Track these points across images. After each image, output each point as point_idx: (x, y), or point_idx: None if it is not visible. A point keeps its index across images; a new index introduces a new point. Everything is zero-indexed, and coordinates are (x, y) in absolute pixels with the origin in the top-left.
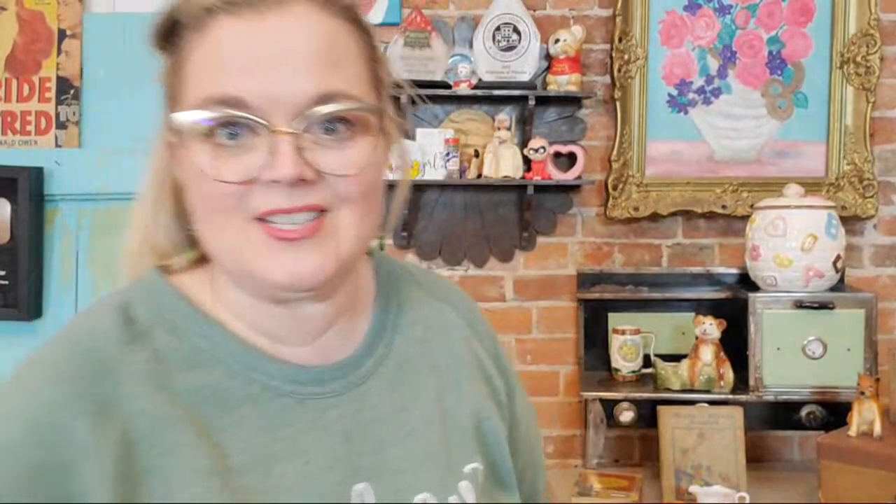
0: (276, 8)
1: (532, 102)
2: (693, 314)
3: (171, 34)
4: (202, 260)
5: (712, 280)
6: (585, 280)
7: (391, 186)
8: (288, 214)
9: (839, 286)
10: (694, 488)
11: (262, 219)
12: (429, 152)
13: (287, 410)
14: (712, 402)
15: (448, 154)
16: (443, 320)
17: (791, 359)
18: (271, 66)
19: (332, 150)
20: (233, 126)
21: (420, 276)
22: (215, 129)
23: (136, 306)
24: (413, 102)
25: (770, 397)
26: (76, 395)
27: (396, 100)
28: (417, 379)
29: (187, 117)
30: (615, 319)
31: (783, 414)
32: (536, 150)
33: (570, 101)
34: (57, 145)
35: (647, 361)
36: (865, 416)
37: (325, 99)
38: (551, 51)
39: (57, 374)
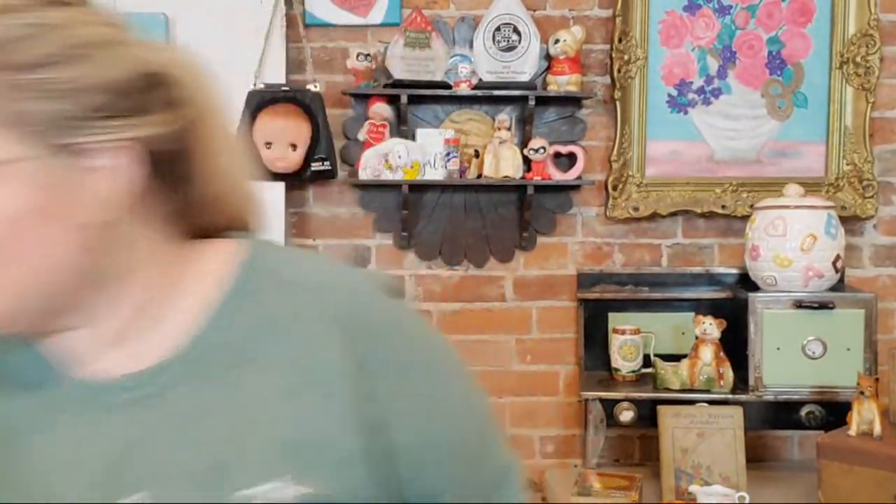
0: None
1: (532, 103)
2: (693, 314)
3: None
4: None
5: (712, 280)
6: (585, 280)
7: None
8: None
9: (839, 286)
10: (694, 488)
11: None
12: (429, 152)
13: (66, 424)
14: (712, 402)
15: (448, 154)
16: (296, 319)
17: (791, 358)
18: None
19: None
20: None
21: (291, 271)
22: None
23: None
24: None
25: (770, 397)
26: None
27: (395, 98)
28: (236, 379)
29: None
30: (615, 319)
31: (783, 413)
32: (536, 151)
33: (570, 102)
34: None
35: (646, 361)
36: (865, 416)
37: None
38: (551, 51)
39: None
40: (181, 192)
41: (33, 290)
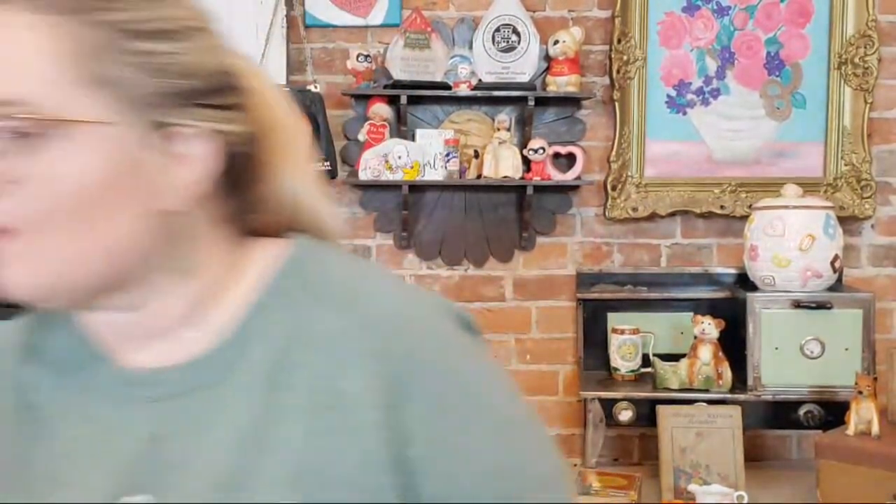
0: None
1: (531, 103)
2: (692, 314)
3: None
4: None
5: (711, 280)
6: (585, 280)
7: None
8: None
9: (837, 286)
10: (692, 487)
11: None
12: (429, 153)
13: (95, 411)
14: (711, 402)
15: (448, 154)
16: (325, 339)
17: (789, 358)
18: None
19: (11, 160)
20: None
21: (333, 284)
22: None
23: None
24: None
25: (768, 396)
26: None
27: (395, 99)
28: (258, 391)
29: None
30: (614, 319)
31: (781, 413)
32: (536, 151)
33: (570, 102)
34: None
35: (646, 361)
36: (863, 416)
37: None
38: (551, 52)
39: None
40: (244, 195)
41: (86, 266)
